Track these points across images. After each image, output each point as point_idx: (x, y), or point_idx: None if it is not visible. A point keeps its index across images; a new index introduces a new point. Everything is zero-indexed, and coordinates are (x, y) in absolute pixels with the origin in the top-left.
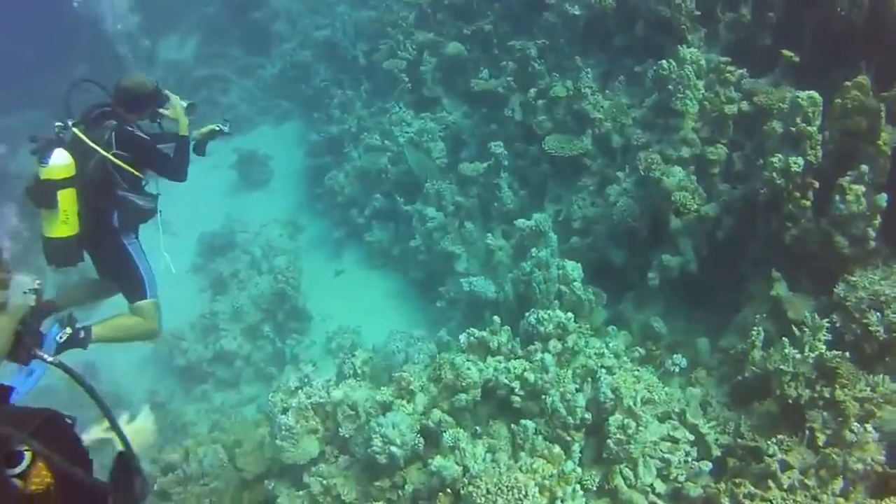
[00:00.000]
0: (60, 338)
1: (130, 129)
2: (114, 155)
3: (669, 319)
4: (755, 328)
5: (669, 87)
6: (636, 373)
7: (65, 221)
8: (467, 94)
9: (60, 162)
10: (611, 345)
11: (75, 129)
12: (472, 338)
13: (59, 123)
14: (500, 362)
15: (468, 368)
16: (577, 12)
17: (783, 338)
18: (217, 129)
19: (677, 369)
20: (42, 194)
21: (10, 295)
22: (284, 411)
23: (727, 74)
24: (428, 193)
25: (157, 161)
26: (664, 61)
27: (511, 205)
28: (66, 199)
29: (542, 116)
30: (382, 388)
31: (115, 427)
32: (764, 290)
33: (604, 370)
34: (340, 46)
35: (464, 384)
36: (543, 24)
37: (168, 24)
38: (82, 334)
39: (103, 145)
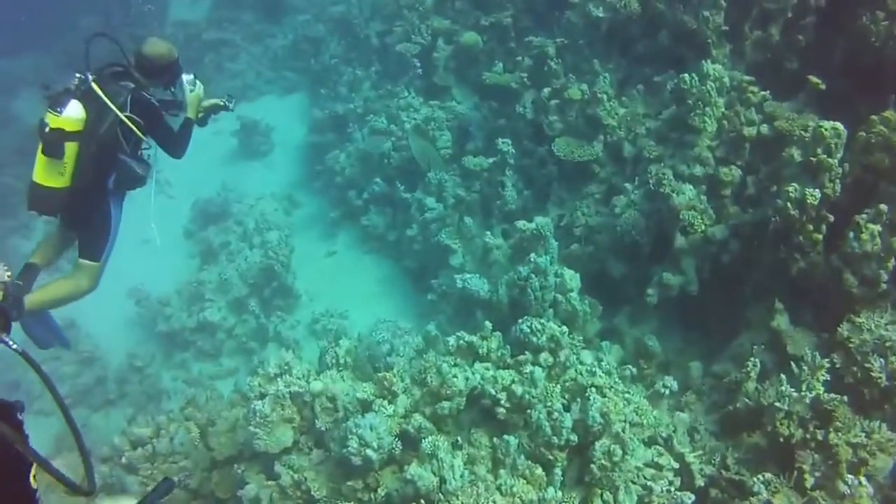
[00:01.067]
0: None
1: (147, 95)
2: (127, 118)
3: (663, 338)
4: (751, 359)
5: (689, 101)
6: (627, 395)
7: (61, 173)
8: (478, 86)
9: (74, 114)
10: (603, 363)
11: (94, 84)
12: (461, 341)
13: (79, 75)
14: (487, 369)
15: (454, 376)
16: (600, 14)
17: (781, 374)
18: (221, 104)
19: (668, 392)
20: (50, 144)
21: None
22: (261, 397)
23: (749, 95)
24: (429, 183)
25: (163, 132)
26: (686, 75)
27: (513, 204)
28: (70, 152)
29: (553, 117)
30: (364, 384)
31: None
32: (763, 320)
33: (594, 389)
34: (354, 24)
35: (448, 392)
36: (564, 24)
37: None
38: (14, 313)
39: (118, 106)
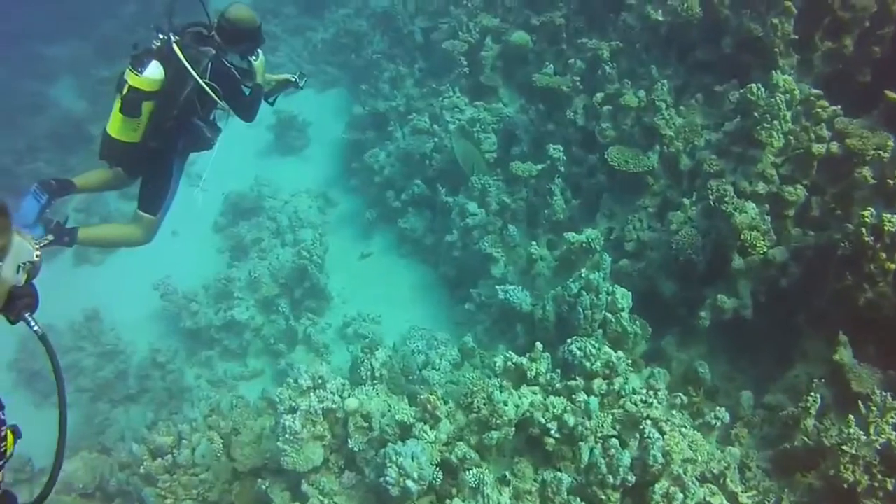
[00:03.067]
0: (40, 242)
1: (226, 62)
2: (206, 83)
3: (711, 363)
4: (812, 394)
5: (755, 114)
6: (683, 428)
7: (135, 129)
8: (526, 88)
9: (153, 75)
10: (659, 393)
11: (175, 47)
12: (509, 363)
13: (161, 35)
14: (535, 393)
15: (505, 404)
16: (659, 18)
17: (847, 414)
18: (292, 79)
19: (719, 423)
20: (129, 102)
21: (7, 262)
22: (292, 411)
23: (818, 109)
24: (472, 187)
25: (237, 98)
26: (754, 85)
27: (562, 214)
28: (145, 110)
29: (606, 124)
30: (404, 406)
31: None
32: (822, 351)
33: (649, 422)
34: (398, 19)
35: (498, 421)
36: (620, 26)
37: None
38: (66, 238)
39: (199, 72)
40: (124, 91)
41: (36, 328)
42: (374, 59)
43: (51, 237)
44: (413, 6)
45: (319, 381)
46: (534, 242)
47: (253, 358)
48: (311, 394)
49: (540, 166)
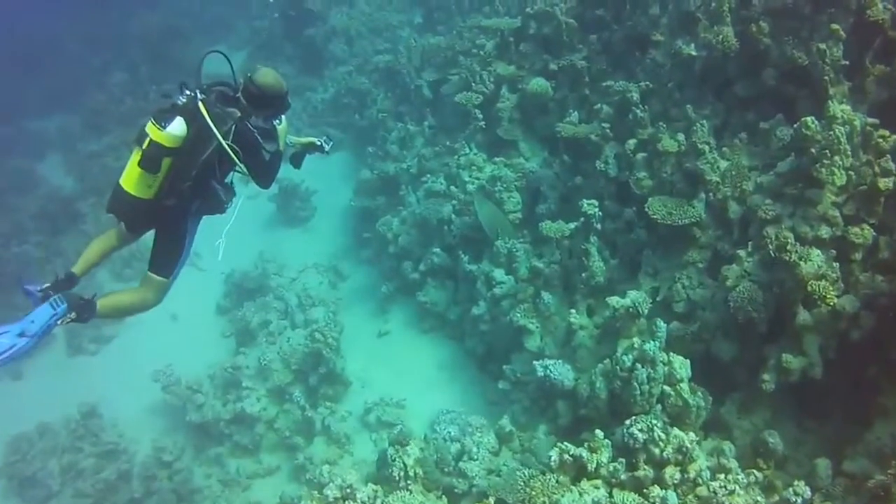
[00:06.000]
0: (58, 321)
1: (251, 126)
2: (228, 146)
3: (775, 428)
4: None
5: (812, 150)
6: None
7: (150, 186)
8: (548, 140)
9: (176, 131)
10: (739, 477)
11: (201, 105)
12: (565, 455)
13: (188, 92)
14: (597, 488)
15: None
16: (693, 53)
17: None
18: (318, 143)
19: (800, 500)
20: (149, 158)
21: None
22: None
23: (879, 140)
24: (498, 253)
25: (257, 163)
26: (809, 119)
27: (601, 277)
28: (164, 167)
29: (642, 173)
30: None
31: None
32: None
33: None
34: (403, 74)
35: None
36: (648, 65)
37: (216, 35)
38: (86, 315)
39: (223, 133)
40: (145, 144)
41: None
42: (380, 119)
43: (74, 315)
44: (419, 59)
45: (348, 492)
46: (572, 310)
47: (267, 453)
48: None
49: (572, 224)
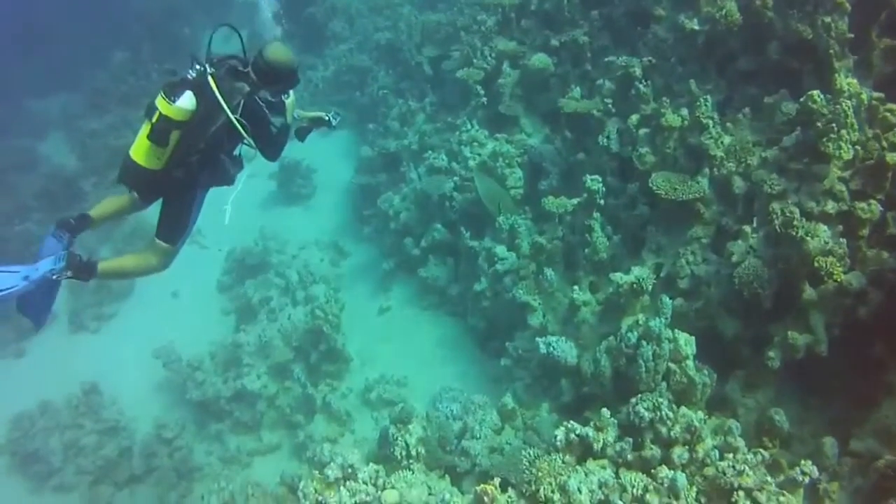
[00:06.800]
0: (55, 276)
1: (259, 100)
2: (236, 119)
3: (780, 406)
4: None
5: (819, 124)
6: (781, 497)
7: (159, 157)
8: (550, 116)
9: (186, 105)
10: (748, 456)
11: (211, 80)
12: (571, 435)
13: (198, 66)
14: (603, 468)
15: (579, 491)
16: (695, 27)
17: None
18: (326, 118)
19: (807, 480)
20: (158, 131)
21: None
22: None
23: (887, 114)
24: (499, 229)
25: (265, 136)
26: (815, 92)
27: (604, 253)
28: (172, 139)
29: (644, 149)
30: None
31: None
32: None
33: (742, 493)
34: (403, 51)
35: None
36: (650, 40)
37: (217, 14)
38: (85, 274)
39: (231, 107)
40: (154, 118)
41: None
42: (381, 96)
43: (70, 273)
44: (419, 35)
45: (349, 471)
46: (575, 286)
47: (268, 431)
48: (342, 487)
49: (575, 200)
